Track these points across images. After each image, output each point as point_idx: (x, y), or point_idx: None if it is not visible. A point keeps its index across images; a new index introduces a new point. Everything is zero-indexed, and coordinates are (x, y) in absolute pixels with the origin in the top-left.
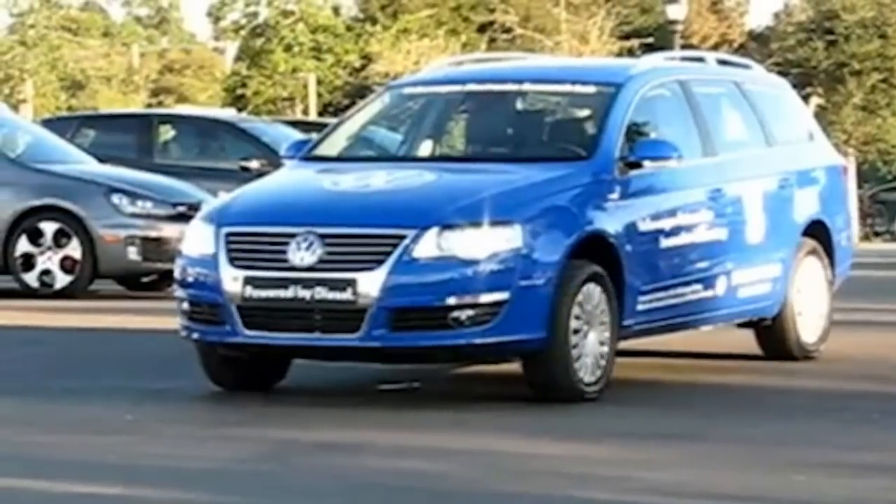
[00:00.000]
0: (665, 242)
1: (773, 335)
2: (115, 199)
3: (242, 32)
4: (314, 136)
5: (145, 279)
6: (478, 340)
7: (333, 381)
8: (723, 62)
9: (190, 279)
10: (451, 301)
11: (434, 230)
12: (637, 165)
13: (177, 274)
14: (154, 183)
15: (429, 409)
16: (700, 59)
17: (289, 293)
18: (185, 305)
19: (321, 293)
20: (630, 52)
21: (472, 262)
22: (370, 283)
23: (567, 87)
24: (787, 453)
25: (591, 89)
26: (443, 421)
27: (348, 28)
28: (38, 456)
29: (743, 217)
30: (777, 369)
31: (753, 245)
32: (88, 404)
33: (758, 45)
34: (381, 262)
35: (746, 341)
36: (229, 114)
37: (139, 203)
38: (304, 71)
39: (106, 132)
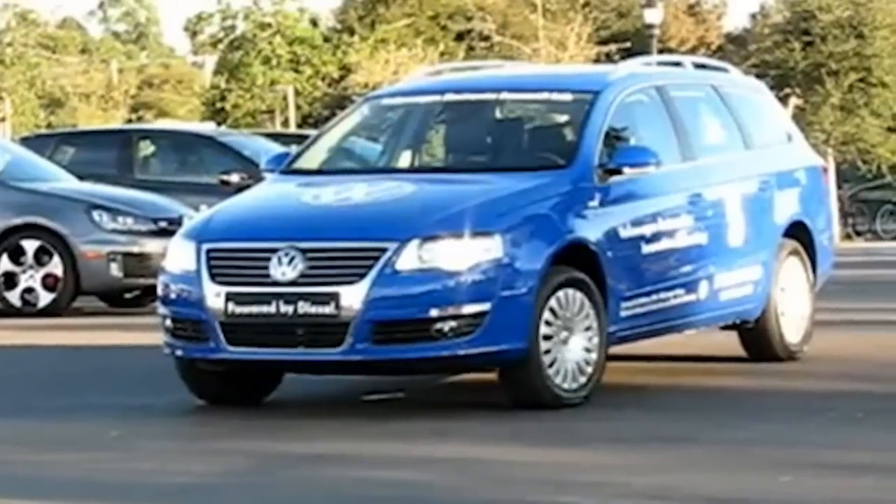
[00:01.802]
0: (646, 248)
1: (756, 337)
2: (96, 215)
3: (220, 46)
4: (294, 148)
5: (128, 295)
6: (461, 351)
7: (318, 393)
8: (700, 66)
9: (172, 296)
10: (434, 313)
11: (415, 242)
12: (616, 172)
13: (160, 291)
14: (134, 199)
15: (412, 418)
16: (678, 64)
17: (271, 308)
18: (168, 322)
19: (304, 307)
20: (608, 57)
21: (454, 274)
22: (353, 297)
23: (545, 95)
24: (773, 454)
25: (568, 97)
26: (426, 430)
27: (326, 39)
28: (24, 474)
29: (723, 220)
30: (760, 371)
31: (734, 248)
32: (74, 421)
33: (735, 47)
34: (363, 276)
35: (729, 344)
36: (209, 128)
37: (120, 219)
38: (282, 83)
39: (85, 149)
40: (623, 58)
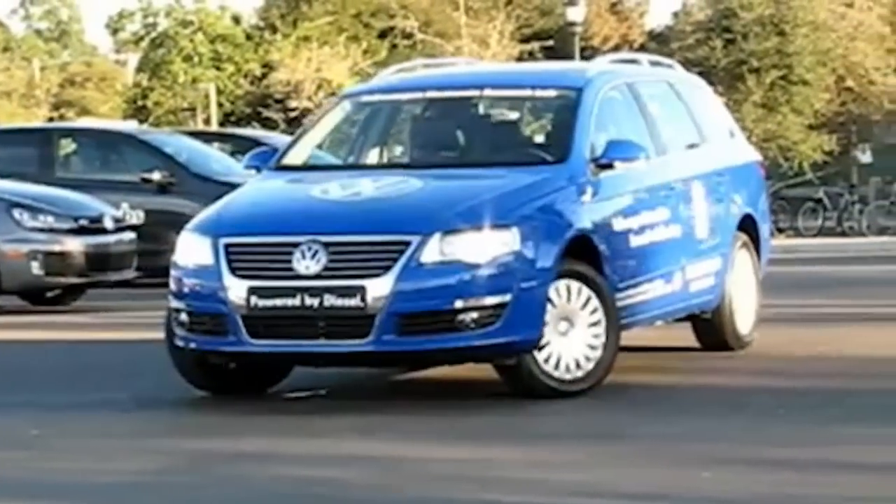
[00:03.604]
0: (634, 240)
1: (711, 328)
2: (17, 213)
3: (142, 44)
4: (216, 146)
5: (49, 294)
6: (482, 342)
7: (239, 392)
8: (654, 63)
9: (188, 290)
10: (459, 304)
11: (437, 235)
12: (608, 167)
13: (172, 286)
14: (55, 197)
15: (336, 416)
16: (634, 62)
17: (295, 301)
18: (183, 316)
19: (329, 300)
20: (531, 55)
21: (476, 266)
22: (378, 289)
23: (528, 92)
24: (696, 450)
25: (552, 93)
26: (350, 428)
27: (248, 37)
28: None
29: (692, 213)
30: (682, 367)
31: (701, 240)
32: None
33: (658, 44)
34: (388, 269)
35: (651, 338)
36: (130, 126)
37: (41, 217)
38: (204, 81)
39: (6, 147)
40: (546, 56)
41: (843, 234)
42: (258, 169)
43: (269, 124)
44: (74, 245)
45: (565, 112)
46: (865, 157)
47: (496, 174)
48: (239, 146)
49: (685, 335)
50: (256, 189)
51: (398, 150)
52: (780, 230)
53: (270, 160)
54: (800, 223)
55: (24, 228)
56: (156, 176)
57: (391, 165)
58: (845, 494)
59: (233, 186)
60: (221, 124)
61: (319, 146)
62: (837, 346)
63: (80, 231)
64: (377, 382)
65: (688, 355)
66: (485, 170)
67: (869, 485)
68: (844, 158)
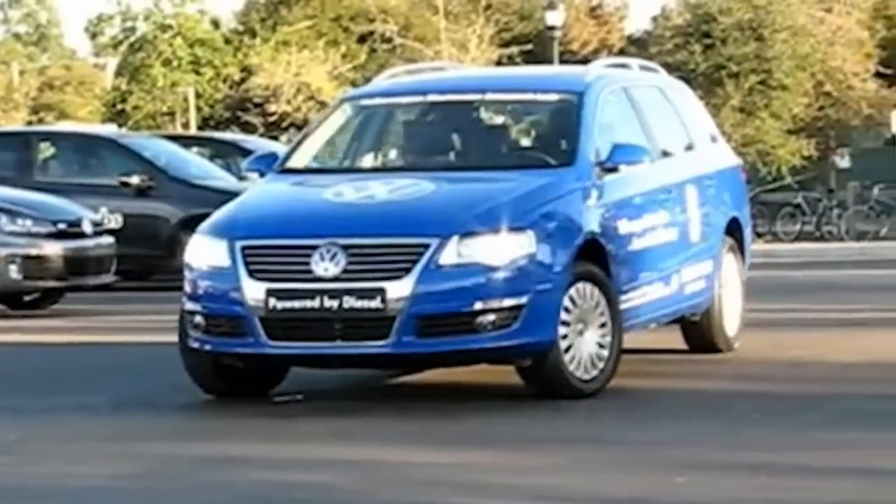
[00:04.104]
0: (637, 243)
1: (701, 330)
2: None
3: (121, 48)
4: (195, 150)
5: (27, 297)
6: (500, 343)
7: (216, 396)
8: (643, 68)
9: (203, 293)
10: (478, 306)
11: (455, 238)
12: (613, 170)
13: (187, 288)
14: (34, 201)
15: (314, 420)
16: (624, 66)
17: (315, 303)
18: (199, 319)
19: (349, 302)
20: (510, 60)
21: (493, 269)
22: (398, 291)
23: (529, 96)
24: (671, 455)
25: (553, 97)
26: (327, 432)
27: (227, 41)
28: None
29: (687, 217)
30: (659, 371)
31: (694, 243)
32: None
33: (637, 49)
34: (407, 271)
35: (630, 342)
36: (109, 130)
37: (19, 221)
38: (183, 85)
39: None
40: (526, 61)
41: (822, 238)
42: (261, 172)
43: (247, 128)
44: (53, 249)
45: (568, 115)
46: (844, 162)
47: (506, 177)
48: (218, 150)
49: (661, 339)
50: (266, 192)
51: (402, 153)
52: (759, 235)
53: (273, 164)
54: (778, 228)
55: (2, 232)
56: (134, 180)
57: (398, 168)
58: (822, 499)
59: (211, 190)
60: (200, 128)
61: (322, 149)
62: (816, 351)
63: (58, 235)
64: (354, 387)
65: (665, 359)
66: (493, 173)
67: (846, 489)
68: (823, 163)
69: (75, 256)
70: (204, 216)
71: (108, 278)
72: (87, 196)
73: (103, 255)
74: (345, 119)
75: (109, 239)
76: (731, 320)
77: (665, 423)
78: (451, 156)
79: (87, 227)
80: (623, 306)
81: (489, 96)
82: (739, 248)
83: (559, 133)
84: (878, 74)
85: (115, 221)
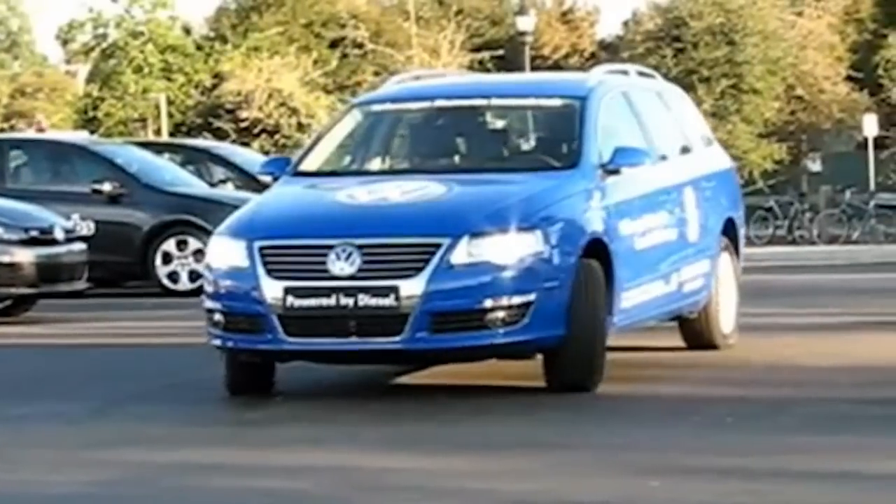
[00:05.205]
0: (639, 242)
1: (698, 327)
2: None
3: (93, 54)
4: (168, 156)
5: None
6: (509, 339)
7: (193, 400)
8: (640, 73)
9: (223, 291)
10: (488, 304)
11: (465, 237)
12: (615, 172)
13: (206, 287)
14: (5, 208)
15: (288, 425)
16: (624, 72)
17: (331, 301)
18: (219, 317)
19: (364, 300)
20: (481, 65)
21: (503, 267)
22: (412, 289)
23: (533, 101)
24: (644, 459)
25: (557, 102)
26: (300, 438)
27: (198, 47)
28: None
29: (686, 217)
30: (632, 376)
31: (693, 242)
32: None
33: (608, 54)
34: (420, 269)
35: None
36: (81, 137)
37: None
38: (154, 91)
39: None
40: (497, 66)
41: (794, 242)
42: (274, 175)
43: (219, 134)
44: (25, 256)
45: (572, 120)
46: (815, 166)
47: (513, 179)
48: (190, 157)
49: (628, 341)
50: (282, 194)
51: (411, 156)
52: None
53: (286, 167)
54: (750, 232)
55: None
56: (106, 187)
57: (407, 171)
58: (795, 502)
59: (183, 197)
60: (172, 135)
61: (334, 153)
62: (789, 355)
63: (30, 242)
64: (327, 391)
65: (638, 363)
66: (500, 175)
67: (817, 493)
68: (794, 167)
69: (47, 263)
70: (176, 223)
71: (80, 285)
72: (58, 203)
73: (75, 262)
74: (355, 124)
75: (81, 246)
76: (726, 318)
77: (639, 428)
78: (459, 159)
79: (59, 234)
80: (624, 304)
81: (495, 101)
82: (734, 247)
83: (563, 137)
84: (848, 78)
85: (86, 228)
